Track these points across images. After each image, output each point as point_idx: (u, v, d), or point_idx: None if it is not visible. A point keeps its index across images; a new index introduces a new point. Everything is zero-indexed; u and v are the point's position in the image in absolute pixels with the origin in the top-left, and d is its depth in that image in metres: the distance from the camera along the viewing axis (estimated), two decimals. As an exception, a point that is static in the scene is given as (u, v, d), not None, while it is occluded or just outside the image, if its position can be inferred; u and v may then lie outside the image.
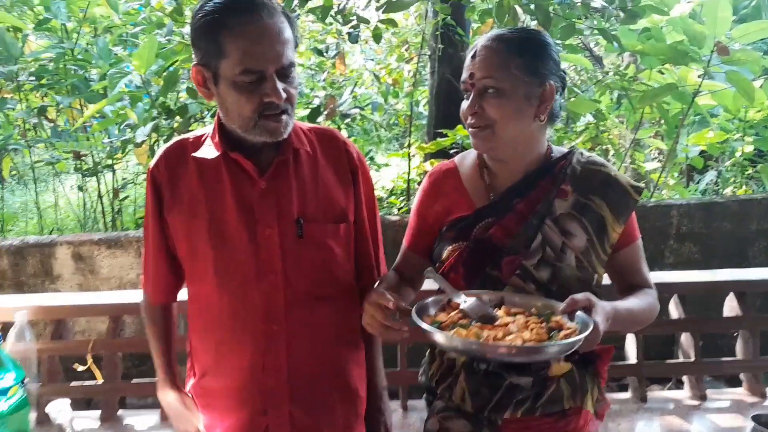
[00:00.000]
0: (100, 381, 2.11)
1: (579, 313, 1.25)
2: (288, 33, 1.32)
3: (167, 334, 1.59)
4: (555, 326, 1.26)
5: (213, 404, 1.48)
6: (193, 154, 1.43)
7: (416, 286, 1.59)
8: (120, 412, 2.09)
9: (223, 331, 1.43)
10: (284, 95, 1.30)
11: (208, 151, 1.42)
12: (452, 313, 1.33)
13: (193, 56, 1.36)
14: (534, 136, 1.46)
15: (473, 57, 1.41)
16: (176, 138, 1.51)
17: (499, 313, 1.33)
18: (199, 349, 1.51)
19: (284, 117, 1.33)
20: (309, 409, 1.45)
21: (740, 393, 2.14)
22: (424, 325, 1.24)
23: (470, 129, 1.44)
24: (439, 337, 1.22)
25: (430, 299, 1.36)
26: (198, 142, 1.46)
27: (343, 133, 4.47)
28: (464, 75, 1.43)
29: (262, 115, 1.31)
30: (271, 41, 1.28)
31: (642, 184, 1.54)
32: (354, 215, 1.51)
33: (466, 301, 1.34)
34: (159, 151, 1.48)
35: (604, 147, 4.27)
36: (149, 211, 1.48)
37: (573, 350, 1.19)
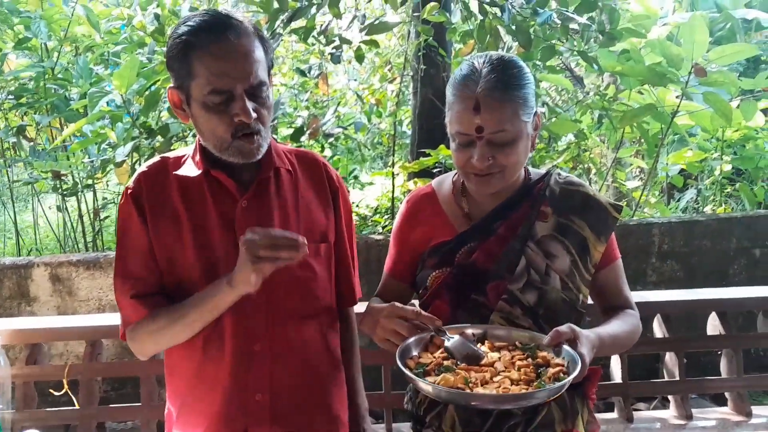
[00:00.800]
0: (76, 407, 2.06)
1: (565, 346, 1.23)
2: (259, 53, 1.31)
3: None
4: (542, 362, 1.24)
5: (194, 427, 1.44)
6: (175, 172, 1.42)
7: None
8: (97, 438, 2.03)
9: (204, 350, 1.40)
10: (254, 115, 1.29)
11: (190, 169, 1.41)
12: (436, 353, 1.29)
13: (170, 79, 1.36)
14: None
15: (476, 109, 1.33)
16: (156, 157, 1.50)
17: (484, 348, 1.31)
18: (180, 369, 1.47)
19: (257, 138, 1.32)
20: (290, 430, 1.42)
21: (726, 412, 2.13)
22: (410, 373, 1.21)
23: (477, 176, 1.39)
24: (425, 386, 1.18)
25: (411, 339, 1.30)
26: (179, 162, 1.45)
27: (327, 152, 4.48)
28: (464, 127, 1.35)
29: (237, 136, 1.30)
30: (238, 61, 1.27)
31: (621, 203, 1.55)
32: (334, 236, 1.50)
33: (450, 338, 1.30)
34: (138, 171, 1.46)
35: (585, 166, 4.31)
36: (133, 224, 1.41)
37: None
